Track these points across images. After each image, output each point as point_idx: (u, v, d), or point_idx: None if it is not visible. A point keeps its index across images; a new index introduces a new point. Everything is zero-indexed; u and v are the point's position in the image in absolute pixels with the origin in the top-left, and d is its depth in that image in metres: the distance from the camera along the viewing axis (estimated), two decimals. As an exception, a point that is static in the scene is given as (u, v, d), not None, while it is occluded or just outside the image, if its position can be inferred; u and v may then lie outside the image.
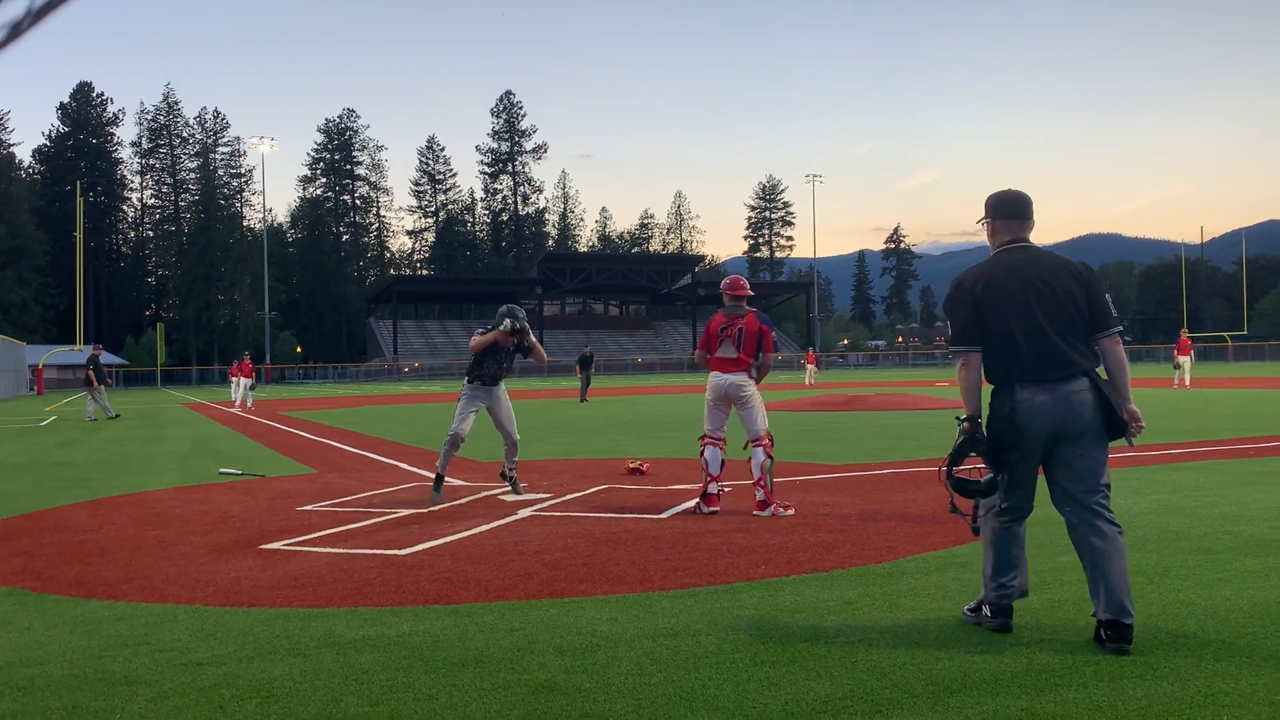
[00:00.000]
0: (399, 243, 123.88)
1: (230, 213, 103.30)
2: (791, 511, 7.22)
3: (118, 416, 24.73)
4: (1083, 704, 3.22)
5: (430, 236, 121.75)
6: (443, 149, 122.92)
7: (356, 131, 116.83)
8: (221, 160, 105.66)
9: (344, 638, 4.21)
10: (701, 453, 7.50)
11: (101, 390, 24.43)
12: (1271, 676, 3.44)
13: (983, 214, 4.30)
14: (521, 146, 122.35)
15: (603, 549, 6.04)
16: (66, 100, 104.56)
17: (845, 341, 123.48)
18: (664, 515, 7.29)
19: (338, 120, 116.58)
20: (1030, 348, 3.95)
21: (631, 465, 10.13)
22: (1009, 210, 4.21)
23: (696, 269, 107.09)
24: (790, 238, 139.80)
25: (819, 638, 4.06)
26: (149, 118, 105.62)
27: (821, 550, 5.86)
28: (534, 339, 8.60)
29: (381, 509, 7.97)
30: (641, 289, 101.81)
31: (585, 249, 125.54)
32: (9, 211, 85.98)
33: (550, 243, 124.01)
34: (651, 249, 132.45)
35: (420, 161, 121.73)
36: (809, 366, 45.93)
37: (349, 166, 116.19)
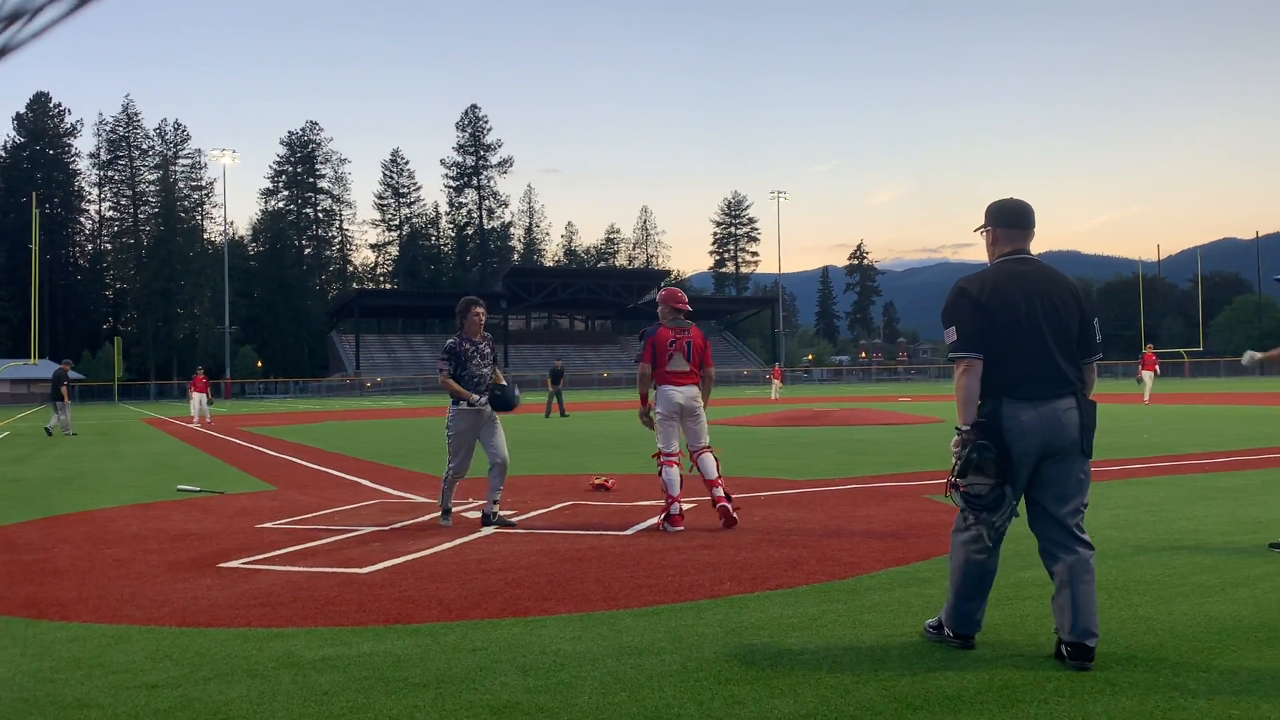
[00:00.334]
0: (362, 256, 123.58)
1: (190, 225, 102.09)
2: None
3: (75, 435, 24.39)
4: (1044, 719, 3.24)
5: (394, 250, 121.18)
6: (407, 162, 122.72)
7: (319, 144, 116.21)
8: (182, 172, 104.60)
9: (303, 658, 4.15)
10: (660, 472, 7.47)
11: (67, 405, 24.57)
12: (1228, 691, 3.48)
13: (982, 222, 4.18)
14: (487, 160, 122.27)
15: (567, 566, 6.01)
16: (23, 110, 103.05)
17: (810, 357, 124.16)
18: (629, 532, 7.27)
19: (300, 133, 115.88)
20: (1030, 362, 3.88)
21: (596, 481, 10.09)
22: (1012, 219, 4.11)
23: (662, 284, 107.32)
24: (755, 253, 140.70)
25: (783, 655, 4.05)
26: (108, 129, 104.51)
27: (786, 566, 5.86)
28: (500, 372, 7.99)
29: (342, 526, 7.88)
30: (607, 304, 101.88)
31: (551, 263, 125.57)
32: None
33: (515, 257, 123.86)
34: (617, 264, 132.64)
35: (384, 174, 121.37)
36: (774, 381, 46.12)
37: (312, 179, 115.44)
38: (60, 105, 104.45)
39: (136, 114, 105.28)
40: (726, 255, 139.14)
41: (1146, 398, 30.32)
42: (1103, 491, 8.77)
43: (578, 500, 9.16)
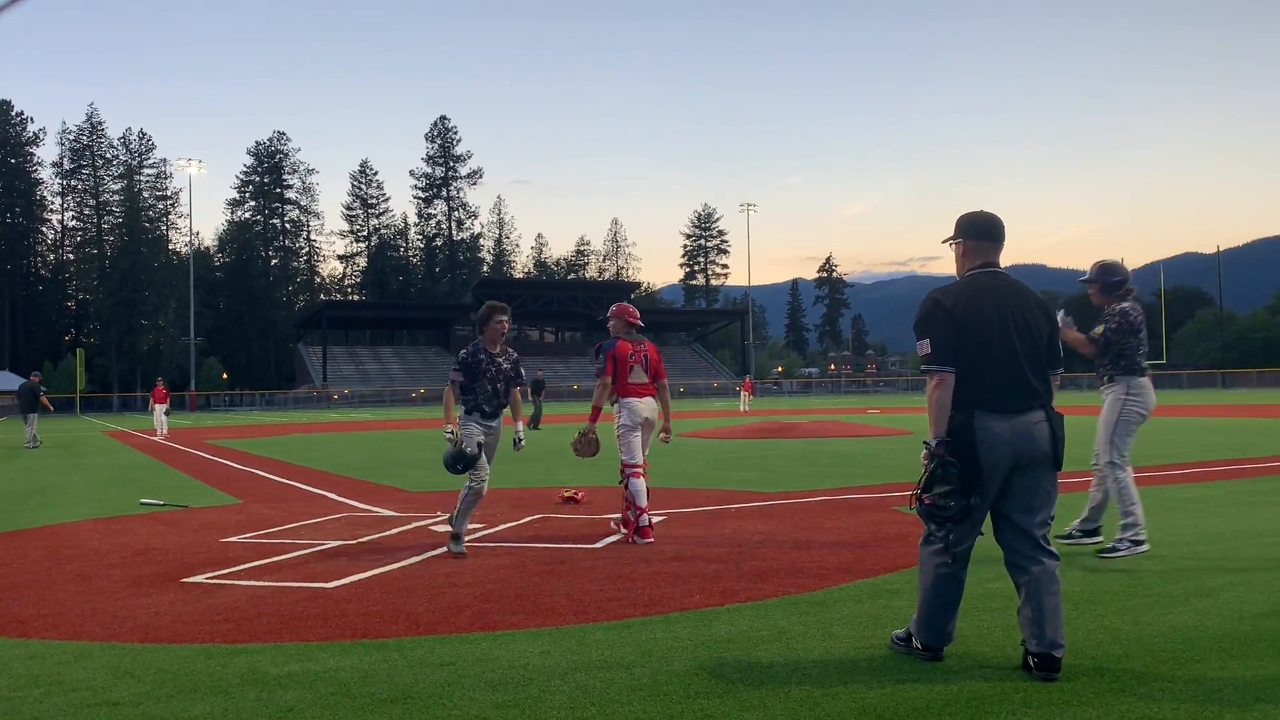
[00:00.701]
0: (330, 267, 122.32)
1: (155, 236, 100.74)
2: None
3: (38, 447, 24.04)
4: (1012, 731, 3.26)
5: (362, 261, 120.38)
6: (376, 173, 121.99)
7: (287, 154, 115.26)
8: (147, 182, 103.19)
9: (268, 674, 4.09)
10: (626, 485, 7.45)
11: (34, 419, 24.89)
12: (1192, 700, 3.51)
13: (952, 233, 4.19)
14: (456, 172, 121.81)
15: (536, 580, 5.98)
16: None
17: (779, 369, 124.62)
18: (599, 545, 7.24)
19: (268, 143, 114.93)
20: (1002, 375, 3.91)
21: (566, 494, 10.06)
22: (982, 232, 4.13)
23: (633, 296, 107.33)
24: (726, 265, 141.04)
25: (753, 668, 4.05)
26: (71, 138, 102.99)
27: (755, 579, 5.87)
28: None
29: (308, 540, 7.79)
30: (577, 315, 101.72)
31: (521, 275, 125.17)
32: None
33: (485, 268, 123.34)
34: (588, 275, 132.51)
35: (353, 185, 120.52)
36: (744, 393, 46.26)
37: (279, 190, 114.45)
38: (23, 114, 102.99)
39: (100, 123, 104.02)
40: (697, 267, 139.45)
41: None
42: (1068, 503, 8.84)
43: (548, 513, 9.12)
